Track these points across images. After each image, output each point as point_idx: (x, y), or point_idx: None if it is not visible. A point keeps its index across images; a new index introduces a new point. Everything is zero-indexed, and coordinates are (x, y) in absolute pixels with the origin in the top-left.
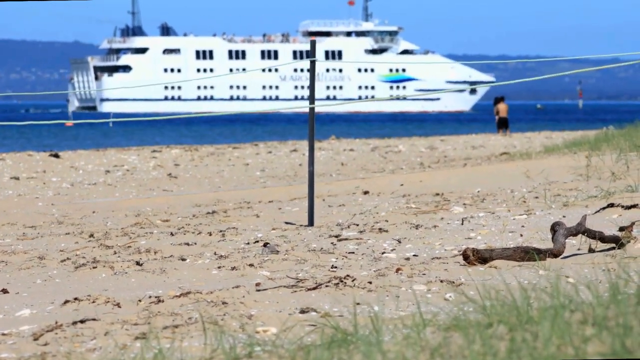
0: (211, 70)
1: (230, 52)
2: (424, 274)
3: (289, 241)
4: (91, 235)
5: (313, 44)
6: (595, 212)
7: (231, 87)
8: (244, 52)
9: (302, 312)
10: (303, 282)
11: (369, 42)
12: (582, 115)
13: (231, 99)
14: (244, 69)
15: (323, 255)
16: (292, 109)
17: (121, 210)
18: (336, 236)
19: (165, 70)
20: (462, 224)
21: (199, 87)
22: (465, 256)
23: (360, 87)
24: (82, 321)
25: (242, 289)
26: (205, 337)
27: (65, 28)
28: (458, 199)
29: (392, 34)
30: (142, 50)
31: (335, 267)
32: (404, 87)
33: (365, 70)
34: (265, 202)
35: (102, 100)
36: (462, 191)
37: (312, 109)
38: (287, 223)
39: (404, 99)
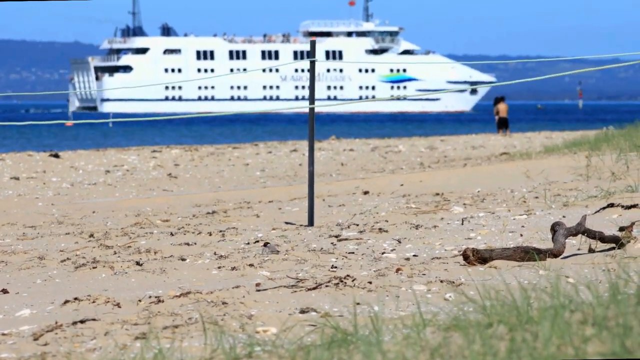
0: (212, 70)
1: (230, 52)
2: (424, 274)
3: (289, 241)
4: (91, 235)
5: (313, 44)
6: (595, 212)
7: (232, 87)
8: (244, 53)
9: (302, 312)
10: (303, 282)
11: (369, 43)
12: (582, 115)
13: (232, 99)
14: (244, 69)
15: (323, 255)
16: (293, 109)
17: (121, 210)
18: (336, 236)
19: (166, 70)
20: (462, 224)
21: (199, 88)
22: (465, 256)
23: (361, 88)
24: (82, 321)
25: (242, 289)
26: (205, 337)
27: (65, 28)
28: (458, 199)
29: (393, 34)
30: (143, 51)
31: (335, 267)
32: (405, 88)
33: (366, 70)
34: (265, 202)
35: (103, 100)
36: (462, 191)
37: (312, 109)
38: (287, 223)
39: (405, 99)
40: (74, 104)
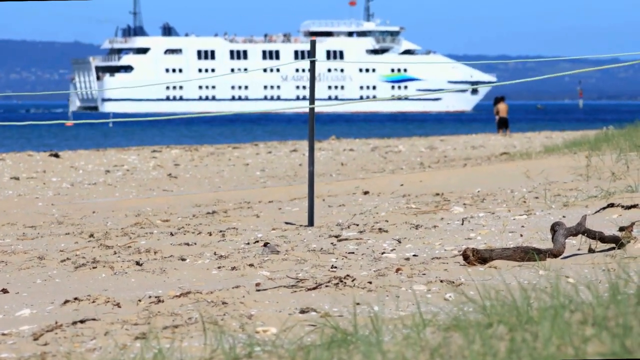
0: (213, 70)
1: (231, 52)
2: (424, 274)
3: (289, 241)
4: (91, 235)
5: (313, 44)
6: (595, 212)
7: (233, 87)
8: (245, 52)
9: (302, 312)
10: (303, 282)
11: (370, 42)
12: (582, 115)
13: (233, 99)
14: (245, 69)
15: (323, 255)
16: (293, 109)
17: (121, 210)
18: (336, 236)
19: (167, 70)
20: (462, 224)
21: (200, 87)
22: (465, 256)
23: (361, 87)
24: (82, 321)
25: (242, 289)
26: (205, 337)
27: (65, 28)
28: (458, 199)
29: (394, 34)
30: (144, 51)
31: (335, 267)
32: (406, 87)
33: (367, 70)
34: (265, 202)
35: (104, 100)
36: (462, 191)
37: (312, 109)
38: (287, 223)
39: (406, 99)
40: (75, 104)
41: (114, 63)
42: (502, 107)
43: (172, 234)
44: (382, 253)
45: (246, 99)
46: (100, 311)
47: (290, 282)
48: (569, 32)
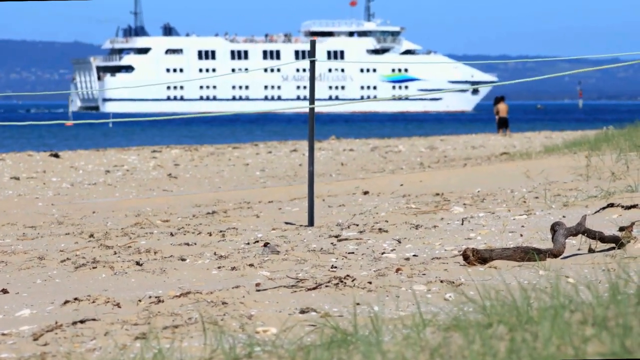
0: (213, 70)
1: (232, 52)
2: (424, 274)
3: (289, 241)
4: (91, 236)
5: (313, 43)
6: (595, 212)
7: (233, 87)
8: (246, 52)
9: (302, 312)
10: (303, 282)
11: (371, 42)
12: (582, 115)
13: (233, 99)
14: (246, 69)
15: (323, 256)
16: (293, 109)
17: (121, 211)
18: (336, 236)
19: (168, 70)
20: (462, 224)
21: (201, 87)
22: (465, 256)
23: (362, 87)
24: (82, 321)
25: (242, 289)
26: (205, 337)
27: (65, 28)
28: (458, 199)
29: (394, 34)
30: (145, 51)
31: (335, 267)
32: (407, 87)
33: (368, 70)
34: (265, 202)
35: (105, 100)
36: (462, 191)
37: (312, 109)
38: (287, 223)
39: (406, 99)
40: (76, 104)
41: (114, 63)
42: (502, 107)
43: (172, 234)
44: (382, 253)
45: (247, 99)
46: (100, 311)
47: (290, 282)
48: (568, 32)
